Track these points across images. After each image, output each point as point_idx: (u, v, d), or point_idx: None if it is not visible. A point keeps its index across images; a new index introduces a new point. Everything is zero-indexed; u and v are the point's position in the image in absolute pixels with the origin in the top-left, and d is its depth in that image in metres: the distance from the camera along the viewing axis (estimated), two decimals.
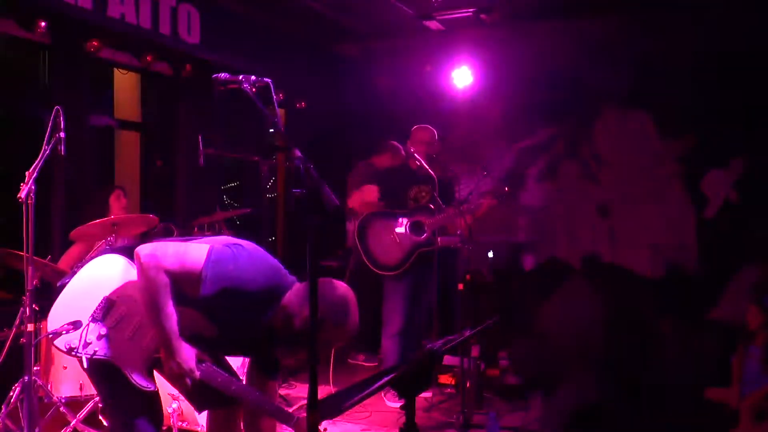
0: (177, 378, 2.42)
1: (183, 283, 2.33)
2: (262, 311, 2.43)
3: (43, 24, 4.57)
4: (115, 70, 5.61)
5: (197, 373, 2.39)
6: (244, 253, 2.40)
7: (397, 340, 4.83)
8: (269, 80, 2.40)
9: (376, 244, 4.77)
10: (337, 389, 4.47)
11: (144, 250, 2.32)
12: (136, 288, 2.39)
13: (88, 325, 2.38)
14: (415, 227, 4.78)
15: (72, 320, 2.39)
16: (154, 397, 2.48)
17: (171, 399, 3.64)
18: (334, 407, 2.00)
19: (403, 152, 5.39)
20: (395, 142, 5.75)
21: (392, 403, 4.75)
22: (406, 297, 4.83)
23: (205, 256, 2.31)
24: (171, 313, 2.32)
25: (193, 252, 2.33)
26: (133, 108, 5.97)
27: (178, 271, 2.31)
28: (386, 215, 4.81)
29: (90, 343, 2.37)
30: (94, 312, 2.41)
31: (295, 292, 2.44)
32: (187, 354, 2.37)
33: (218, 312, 2.41)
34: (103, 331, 2.39)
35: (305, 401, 2.40)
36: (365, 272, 4.89)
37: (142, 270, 2.31)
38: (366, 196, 4.90)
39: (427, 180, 4.84)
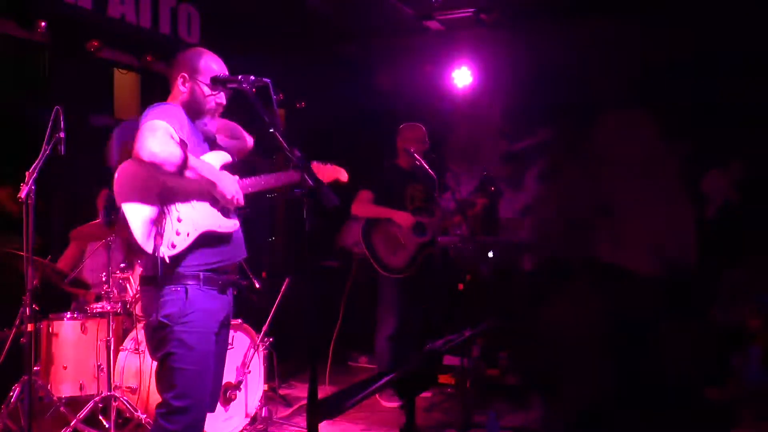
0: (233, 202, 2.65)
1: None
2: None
3: (43, 24, 4.58)
4: (115, 70, 5.60)
5: (242, 194, 2.67)
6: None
7: (391, 343, 4.81)
8: (269, 80, 2.42)
9: (383, 247, 4.76)
10: (337, 389, 4.48)
11: (145, 151, 2.38)
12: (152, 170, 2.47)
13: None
14: (417, 228, 4.77)
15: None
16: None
17: None
18: (334, 407, 2.00)
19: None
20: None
21: (387, 403, 4.75)
22: (401, 298, 4.81)
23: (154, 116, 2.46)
24: (199, 161, 2.52)
25: (151, 123, 2.45)
26: (133, 108, 5.97)
27: (164, 130, 2.43)
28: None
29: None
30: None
31: None
32: (231, 180, 2.63)
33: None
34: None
35: (305, 401, 2.40)
36: (369, 275, 4.88)
37: (158, 160, 2.39)
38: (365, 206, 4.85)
39: (421, 179, 4.84)
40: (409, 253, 4.73)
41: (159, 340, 2.57)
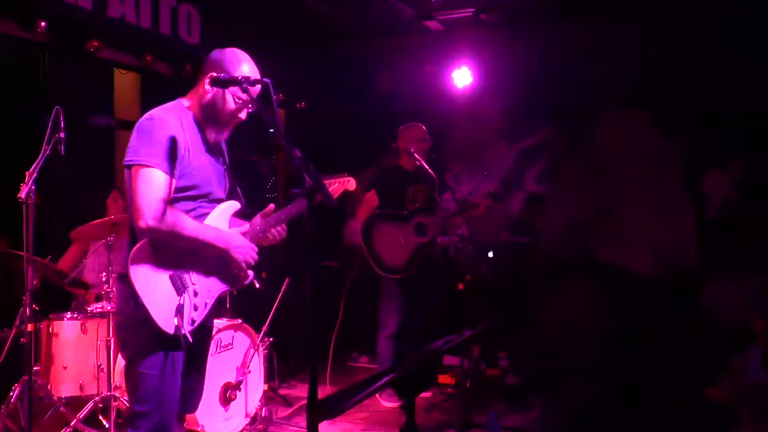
0: (251, 261, 2.59)
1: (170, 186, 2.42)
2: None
3: (43, 24, 4.57)
4: (115, 70, 5.60)
5: (255, 251, 2.59)
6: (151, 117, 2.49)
7: (393, 342, 4.81)
8: (269, 80, 2.40)
9: (382, 247, 4.75)
10: (337, 389, 4.48)
11: (143, 222, 2.35)
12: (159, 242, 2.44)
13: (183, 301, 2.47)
14: (418, 228, 4.77)
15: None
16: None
17: None
18: (334, 407, 1.99)
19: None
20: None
21: (387, 403, 4.75)
22: (403, 298, 4.81)
23: (145, 160, 2.38)
24: (204, 228, 2.47)
25: (144, 172, 2.38)
26: (133, 108, 5.97)
27: (159, 189, 2.37)
28: (389, 217, 4.80)
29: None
30: (176, 287, 2.46)
31: None
32: (239, 242, 2.55)
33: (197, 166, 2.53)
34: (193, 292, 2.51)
35: (305, 401, 2.40)
36: (369, 275, 4.87)
37: (158, 233, 2.37)
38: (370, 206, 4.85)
39: (422, 179, 4.84)
40: (408, 253, 4.72)
41: (125, 340, 2.54)
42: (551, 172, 6.79)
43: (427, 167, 4.74)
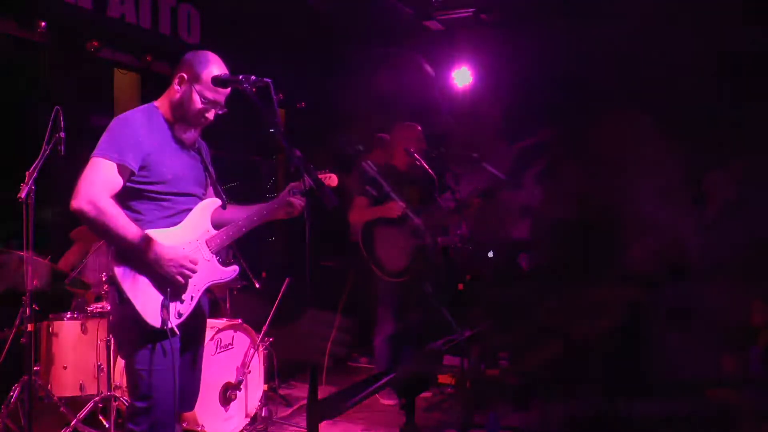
0: (184, 274, 2.50)
1: (118, 182, 2.48)
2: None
3: (43, 24, 4.58)
4: (115, 70, 5.60)
5: (194, 265, 2.50)
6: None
7: (390, 343, 4.80)
8: (269, 80, 2.41)
9: (382, 251, 4.73)
10: (336, 389, 4.48)
11: (75, 202, 2.41)
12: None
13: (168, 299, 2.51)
14: (415, 230, 4.75)
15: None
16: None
17: None
18: (334, 407, 2.00)
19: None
20: (382, 135, 5.74)
21: (386, 401, 4.75)
22: (399, 299, 4.79)
23: (102, 152, 2.51)
24: (136, 233, 2.42)
25: (95, 161, 2.50)
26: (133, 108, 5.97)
27: (103, 178, 2.44)
28: (386, 220, 4.78)
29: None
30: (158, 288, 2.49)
31: None
32: (171, 250, 2.48)
33: (162, 169, 2.56)
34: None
35: (305, 401, 2.41)
36: (369, 275, 4.86)
37: (85, 216, 2.40)
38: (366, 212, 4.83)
39: (416, 179, 4.82)
40: (407, 256, 4.71)
41: (120, 340, 2.62)
42: (551, 172, 6.79)
43: (427, 167, 4.72)
